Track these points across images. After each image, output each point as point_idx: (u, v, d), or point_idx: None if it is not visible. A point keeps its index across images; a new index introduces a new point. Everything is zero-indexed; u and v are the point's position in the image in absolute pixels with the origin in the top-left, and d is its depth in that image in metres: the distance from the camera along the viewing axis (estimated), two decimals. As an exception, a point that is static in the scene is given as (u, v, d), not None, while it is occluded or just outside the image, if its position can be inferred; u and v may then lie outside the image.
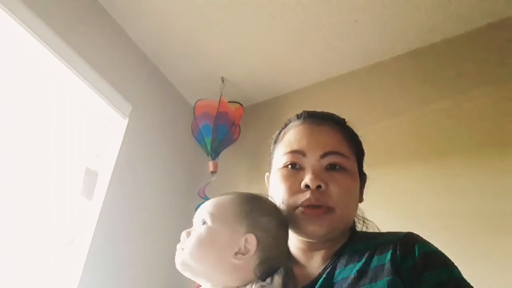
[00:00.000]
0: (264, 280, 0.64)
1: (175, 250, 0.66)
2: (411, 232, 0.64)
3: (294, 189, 0.68)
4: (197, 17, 1.90)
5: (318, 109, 0.79)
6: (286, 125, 0.79)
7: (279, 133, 0.79)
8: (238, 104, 2.21)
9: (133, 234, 1.81)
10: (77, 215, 1.64)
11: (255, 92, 2.29)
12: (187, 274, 0.65)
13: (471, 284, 0.58)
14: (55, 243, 1.54)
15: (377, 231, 0.75)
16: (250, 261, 0.62)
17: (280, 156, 0.73)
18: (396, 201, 1.57)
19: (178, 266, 0.64)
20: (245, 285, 0.62)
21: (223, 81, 2.19)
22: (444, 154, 1.60)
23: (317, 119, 0.75)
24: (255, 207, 0.67)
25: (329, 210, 0.66)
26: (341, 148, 0.70)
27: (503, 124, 1.54)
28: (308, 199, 0.65)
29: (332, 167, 0.69)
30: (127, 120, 1.89)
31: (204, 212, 0.66)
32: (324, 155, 0.69)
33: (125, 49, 2.00)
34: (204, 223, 0.65)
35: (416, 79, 1.86)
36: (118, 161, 1.78)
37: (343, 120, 0.78)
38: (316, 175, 0.66)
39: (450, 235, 1.41)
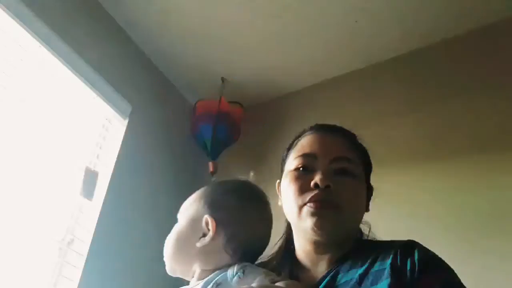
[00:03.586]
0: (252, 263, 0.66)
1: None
2: (412, 240, 0.66)
3: (303, 189, 0.70)
4: (197, 17, 1.90)
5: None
6: (300, 135, 0.82)
7: (292, 142, 0.82)
8: (238, 104, 2.21)
9: (133, 234, 1.81)
10: (77, 215, 1.64)
11: (255, 92, 2.29)
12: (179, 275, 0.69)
13: (473, 285, 0.59)
14: (55, 243, 1.54)
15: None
16: (217, 241, 0.65)
17: (292, 160, 0.76)
18: (397, 202, 1.56)
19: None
20: (224, 267, 0.64)
21: (223, 81, 2.19)
22: (446, 154, 1.60)
23: (329, 129, 0.79)
24: (212, 190, 0.71)
25: (336, 207, 0.68)
26: (350, 155, 0.74)
27: (504, 124, 1.54)
28: (316, 195, 0.68)
29: (341, 172, 0.71)
30: (127, 120, 1.89)
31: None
32: (334, 160, 0.71)
33: (125, 49, 2.00)
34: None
35: (417, 79, 1.86)
36: (118, 161, 1.78)
37: (354, 134, 0.81)
38: (325, 176, 0.69)
39: (452, 236, 1.41)
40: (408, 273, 0.59)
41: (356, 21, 1.84)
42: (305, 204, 0.68)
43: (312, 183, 0.69)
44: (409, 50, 1.94)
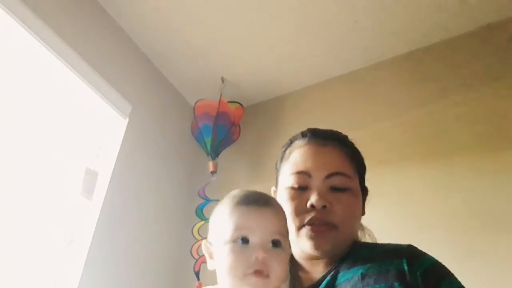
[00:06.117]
0: None
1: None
2: (411, 245, 0.67)
3: (300, 209, 0.70)
4: (197, 17, 1.90)
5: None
6: (291, 143, 0.81)
7: (285, 151, 0.81)
8: (238, 104, 2.21)
9: (133, 234, 1.81)
10: (77, 215, 1.63)
11: (255, 92, 2.29)
12: None
13: (473, 284, 0.61)
14: (55, 243, 1.54)
15: (376, 241, 0.77)
16: None
17: (286, 176, 0.75)
18: (396, 201, 1.57)
19: None
20: None
21: (223, 81, 2.19)
22: (444, 154, 1.60)
23: (322, 139, 0.77)
24: None
25: (333, 227, 0.69)
26: (345, 169, 0.73)
27: (503, 123, 1.54)
28: (313, 218, 0.69)
29: (336, 187, 0.71)
30: (127, 120, 1.89)
31: (275, 231, 0.62)
32: (329, 176, 0.72)
33: (125, 49, 2.00)
34: (277, 244, 0.61)
35: (416, 79, 1.86)
36: (118, 161, 1.78)
37: (346, 137, 0.80)
38: (321, 195, 0.69)
39: (450, 235, 1.41)
40: (419, 279, 0.59)
41: (356, 21, 1.84)
42: (302, 225, 0.69)
43: (308, 204, 0.70)
44: (409, 50, 1.95)
